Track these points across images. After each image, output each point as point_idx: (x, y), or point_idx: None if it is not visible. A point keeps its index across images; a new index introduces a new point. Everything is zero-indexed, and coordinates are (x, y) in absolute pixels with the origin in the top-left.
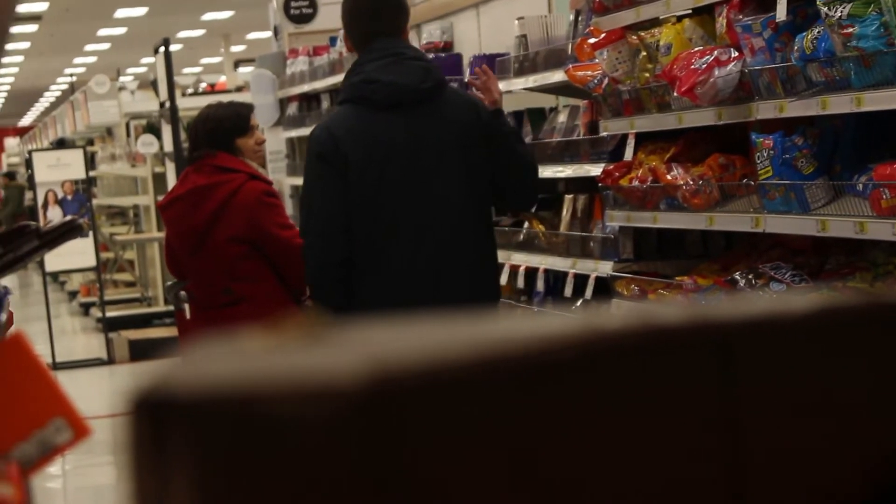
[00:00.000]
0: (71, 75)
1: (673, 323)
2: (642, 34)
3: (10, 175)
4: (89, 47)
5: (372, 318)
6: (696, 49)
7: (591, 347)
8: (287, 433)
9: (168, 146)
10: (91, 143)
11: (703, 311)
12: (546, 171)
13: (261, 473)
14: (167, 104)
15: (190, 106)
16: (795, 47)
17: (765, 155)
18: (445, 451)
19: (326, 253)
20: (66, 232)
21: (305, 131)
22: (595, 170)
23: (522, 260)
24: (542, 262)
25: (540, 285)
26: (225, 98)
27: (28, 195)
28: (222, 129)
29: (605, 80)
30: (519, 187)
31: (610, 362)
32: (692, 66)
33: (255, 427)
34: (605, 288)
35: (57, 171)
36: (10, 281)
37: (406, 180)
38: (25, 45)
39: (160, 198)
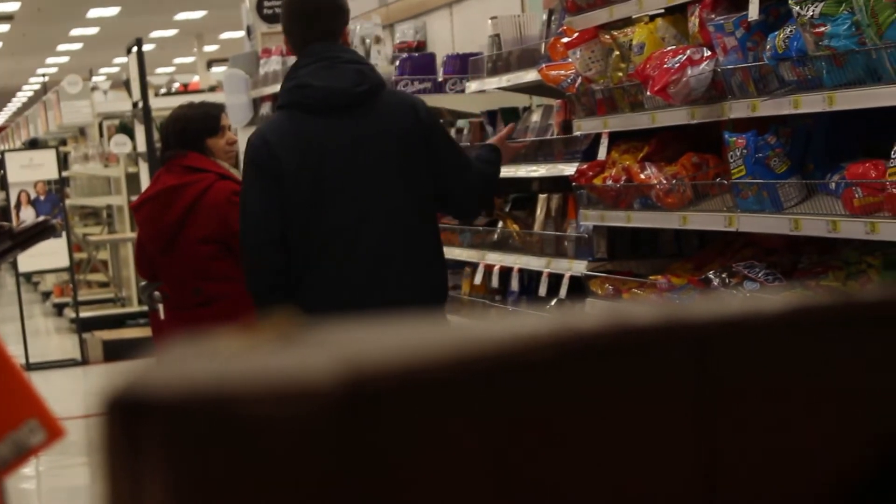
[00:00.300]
0: (43, 75)
1: (648, 322)
2: (615, 33)
3: None
4: (62, 47)
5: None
6: (669, 48)
7: (566, 347)
8: (262, 434)
9: (141, 146)
10: (64, 143)
11: (678, 310)
12: (520, 171)
13: (236, 474)
14: (140, 104)
15: (163, 106)
16: (768, 46)
17: (738, 154)
18: (421, 451)
19: (260, 260)
20: (39, 232)
21: None
22: (569, 169)
23: (497, 259)
24: (517, 261)
25: (514, 285)
26: (198, 98)
27: (0, 196)
28: (192, 130)
29: (579, 80)
30: (459, 196)
31: (585, 362)
32: (665, 66)
33: (230, 427)
34: (579, 287)
35: (29, 171)
36: None
37: (341, 185)
38: None
39: (134, 198)
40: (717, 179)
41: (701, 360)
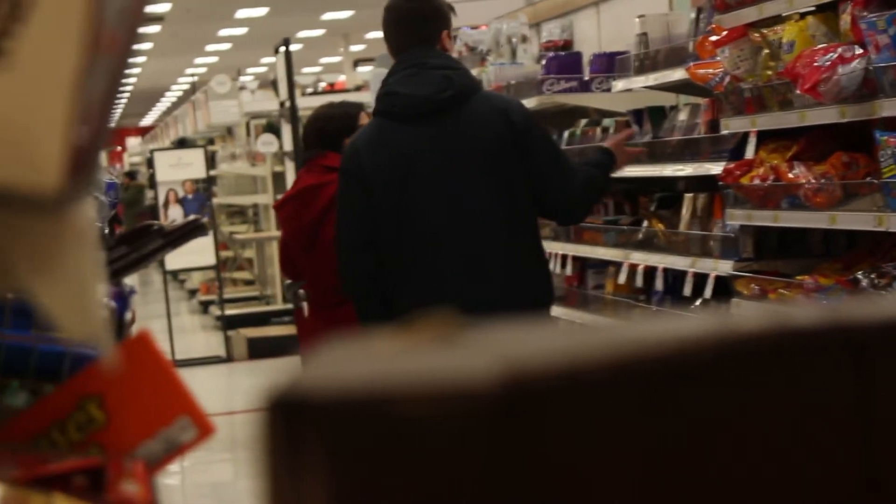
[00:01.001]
0: (192, 75)
1: (809, 325)
2: (765, 31)
3: (132, 175)
4: (210, 47)
5: None
6: (820, 46)
7: (726, 349)
8: (422, 435)
9: (288, 145)
10: (211, 142)
11: (838, 312)
12: (666, 170)
13: (395, 475)
14: (287, 103)
15: (309, 105)
16: None
17: (889, 153)
18: (581, 454)
19: (353, 267)
20: (190, 231)
21: None
22: (715, 168)
23: (641, 259)
24: (661, 261)
25: (659, 284)
26: (344, 97)
27: (149, 194)
28: (330, 129)
29: (727, 78)
30: (557, 201)
31: (746, 364)
32: (815, 64)
33: (390, 428)
34: (724, 287)
35: (178, 170)
36: (131, 280)
37: (429, 192)
38: (148, 45)
39: (279, 197)
40: (868, 179)
41: (863, 363)
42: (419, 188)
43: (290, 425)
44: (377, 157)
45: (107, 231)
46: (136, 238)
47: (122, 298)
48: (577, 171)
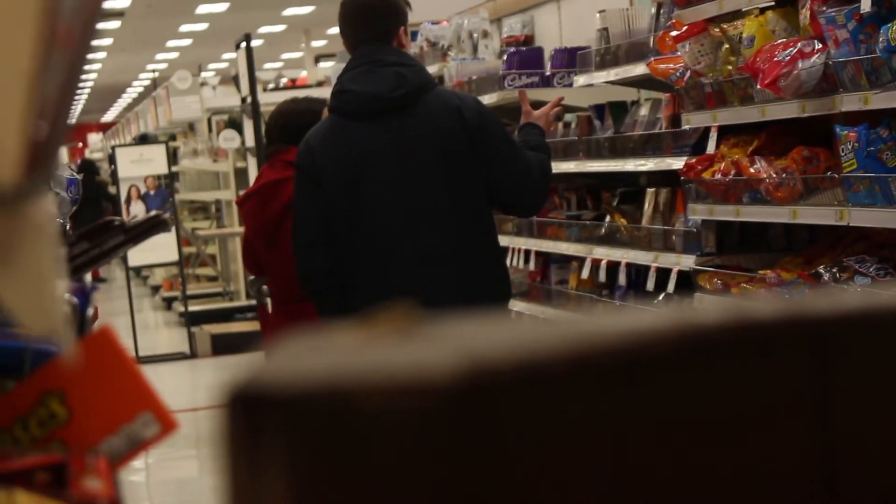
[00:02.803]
0: (153, 71)
1: (768, 318)
2: (725, 26)
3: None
4: (171, 43)
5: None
6: (780, 41)
7: (685, 343)
8: (382, 428)
9: (250, 141)
10: (173, 138)
11: (798, 306)
12: (628, 165)
13: (355, 469)
14: (249, 99)
15: (271, 101)
16: (880, 38)
17: (849, 147)
18: (540, 446)
19: (309, 265)
20: (151, 227)
21: None
22: (677, 163)
23: (604, 254)
24: (624, 255)
25: (622, 279)
26: (306, 93)
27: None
28: (293, 125)
29: (688, 73)
30: (514, 196)
31: (704, 358)
32: (775, 59)
33: (350, 422)
34: (687, 282)
35: (140, 166)
36: (104, 272)
37: (382, 190)
38: (108, 41)
39: (242, 193)
40: (828, 173)
41: (822, 357)
42: (372, 186)
43: (250, 419)
44: (330, 155)
45: (68, 227)
46: (98, 234)
47: (84, 294)
48: (532, 161)
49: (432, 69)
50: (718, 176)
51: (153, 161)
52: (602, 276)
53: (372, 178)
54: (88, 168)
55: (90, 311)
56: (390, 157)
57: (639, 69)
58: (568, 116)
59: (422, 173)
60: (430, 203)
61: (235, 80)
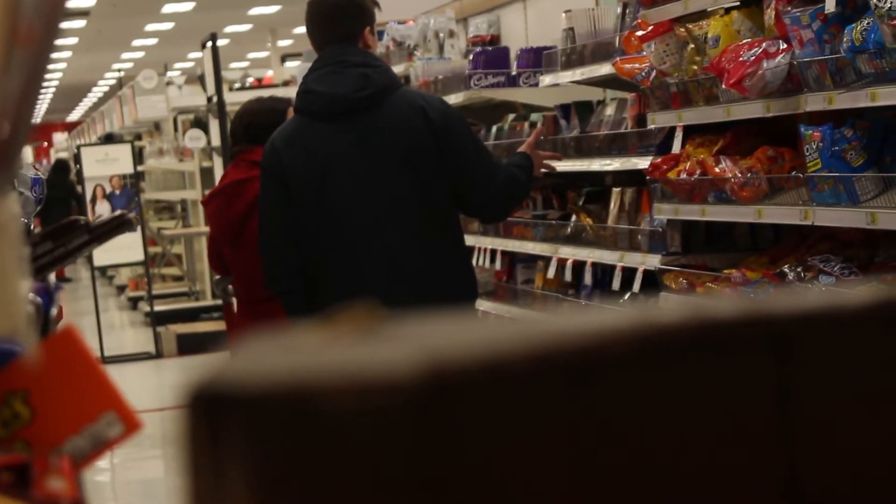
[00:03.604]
0: (118, 70)
1: (729, 317)
2: (690, 26)
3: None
4: (137, 42)
5: None
6: (745, 41)
7: (647, 341)
8: (343, 427)
9: (216, 141)
10: (139, 137)
11: (759, 305)
12: (593, 164)
13: (317, 468)
14: (214, 99)
15: (237, 100)
16: (845, 39)
17: (814, 147)
18: (501, 445)
19: (275, 264)
20: (116, 227)
21: None
22: (643, 163)
23: (570, 253)
24: (590, 255)
25: (587, 279)
26: (272, 93)
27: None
28: (258, 124)
29: (653, 73)
30: (478, 199)
31: (665, 357)
32: (740, 59)
33: (311, 421)
34: (653, 281)
35: (105, 165)
36: (69, 271)
37: (347, 191)
38: (73, 40)
39: (207, 192)
40: (793, 173)
41: (784, 356)
42: (337, 187)
43: (212, 419)
44: (295, 156)
45: (32, 226)
46: (62, 234)
47: (48, 294)
48: (500, 168)
49: (398, 69)
50: (684, 175)
51: (119, 160)
52: (568, 276)
53: (337, 178)
54: (62, 168)
55: (54, 311)
56: (355, 157)
57: (604, 69)
58: (534, 116)
59: (387, 174)
60: (395, 203)
61: (201, 80)
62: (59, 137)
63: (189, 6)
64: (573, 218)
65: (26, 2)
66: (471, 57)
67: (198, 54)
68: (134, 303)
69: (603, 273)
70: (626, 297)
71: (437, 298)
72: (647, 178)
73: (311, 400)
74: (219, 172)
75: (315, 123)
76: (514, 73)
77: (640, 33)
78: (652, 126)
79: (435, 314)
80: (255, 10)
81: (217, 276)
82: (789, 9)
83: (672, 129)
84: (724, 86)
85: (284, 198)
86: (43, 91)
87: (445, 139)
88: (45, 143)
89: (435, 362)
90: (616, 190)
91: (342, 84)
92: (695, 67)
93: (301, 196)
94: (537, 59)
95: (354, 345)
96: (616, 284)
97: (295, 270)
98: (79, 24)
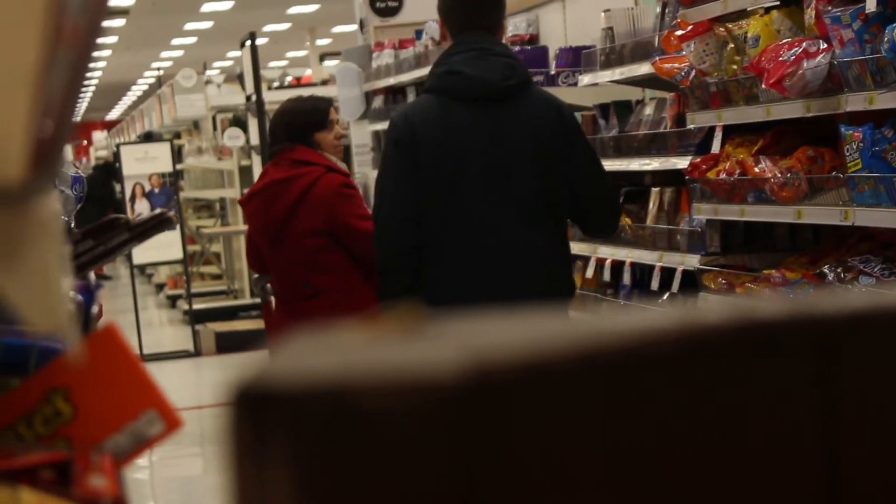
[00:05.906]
0: (158, 69)
1: (773, 318)
2: (730, 26)
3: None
4: (176, 41)
5: (434, 311)
6: (785, 41)
7: (690, 342)
8: (387, 427)
9: (254, 139)
10: (178, 136)
11: (803, 306)
12: (632, 164)
13: (360, 467)
14: (253, 97)
15: (276, 99)
16: (885, 38)
17: (854, 147)
18: (545, 445)
19: (394, 239)
20: (156, 225)
21: None
22: (682, 162)
23: (609, 253)
24: (629, 255)
25: (626, 278)
26: (310, 91)
27: (116, 188)
28: (299, 123)
29: (693, 73)
30: (591, 204)
31: (709, 357)
32: (780, 58)
33: (356, 421)
34: (691, 281)
35: (144, 164)
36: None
37: (478, 175)
38: (113, 39)
39: (246, 191)
40: (833, 173)
41: (827, 356)
42: (469, 171)
43: (256, 417)
44: (433, 135)
45: (73, 224)
46: (103, 232)
47: (89, 292)
48: (609, 180)
49: None
50: (723, 175)
51: (158, 159)
52: (606, 276)
53: (470, 163)
54: (106, 169)
55: (95, 309)
56: (490, 144)
57: (644, 68)
58: None
59: (519, 165)
60: (519, 195)
61: (240, 79)
62: (99, 136)
63: (228, 5)
64: None
65: (71, 1)
66: None
67: (236, 53)
68: (173, 301)
69: (642, 273)
70: (665, 297)
71: (542, 294)
72: (687, 177)
73: (354, 399)
74: (257, 171)
75: (456, 105)
76: (552, 72)
77: (679, 33)
78: (691, 126)
79: (534, 309)
80: (294, 9)
81: (256, 275)
82: (829, 8)
83: (711, 129)
84: (763, 85)
85: (414, 175)
86: (84, 90)
87: (574, 142)
88: (85, 142)
89: (478, 361)
90: (655, 190)
91: (490, 70)
92: (734, 67)
93: (431, 176)
94: (576, 59)
95: (397, 344)
96: (655, 284)
97: (411, 248)
98: (118, 22)
